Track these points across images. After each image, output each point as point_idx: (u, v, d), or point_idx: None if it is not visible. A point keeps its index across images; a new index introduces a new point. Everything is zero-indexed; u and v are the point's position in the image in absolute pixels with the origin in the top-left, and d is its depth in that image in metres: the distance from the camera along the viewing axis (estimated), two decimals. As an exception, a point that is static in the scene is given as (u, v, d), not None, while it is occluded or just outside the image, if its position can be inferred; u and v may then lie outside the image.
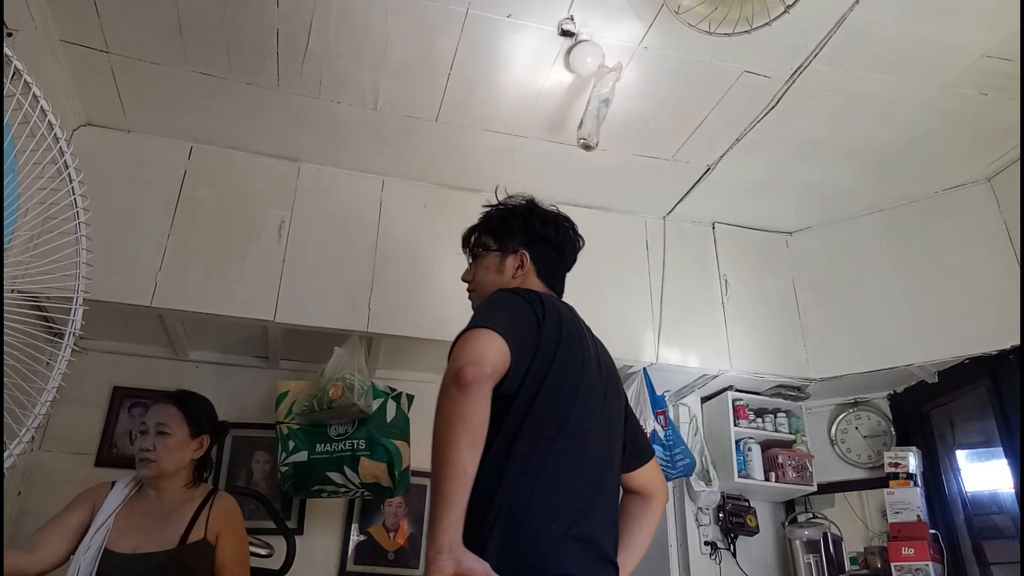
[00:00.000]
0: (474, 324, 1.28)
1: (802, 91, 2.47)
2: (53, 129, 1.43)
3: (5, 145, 1.32)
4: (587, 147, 2.33)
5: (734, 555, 3.14)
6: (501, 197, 1.71)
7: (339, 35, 2.28)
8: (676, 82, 2.46)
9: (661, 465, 2.91)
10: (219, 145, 2.81)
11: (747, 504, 3.21)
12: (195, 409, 1.99)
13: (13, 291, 1.41)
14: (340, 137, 2.76)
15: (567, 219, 1.69)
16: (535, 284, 1.58)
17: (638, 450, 1.57)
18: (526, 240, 1.60)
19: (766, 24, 2.02)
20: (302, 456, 2.58)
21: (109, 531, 1.78)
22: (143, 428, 1.92)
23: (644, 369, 3.03)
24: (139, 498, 1.89)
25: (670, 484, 3.22)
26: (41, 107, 1.40)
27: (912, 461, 2.94)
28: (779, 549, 3.25)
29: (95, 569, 1.70)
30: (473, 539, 1.12)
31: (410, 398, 2.79)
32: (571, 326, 1.44)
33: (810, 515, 3.25)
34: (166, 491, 1.89)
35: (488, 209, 1.70)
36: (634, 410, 2.94)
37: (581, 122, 2.36)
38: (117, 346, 2.91)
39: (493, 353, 1.22)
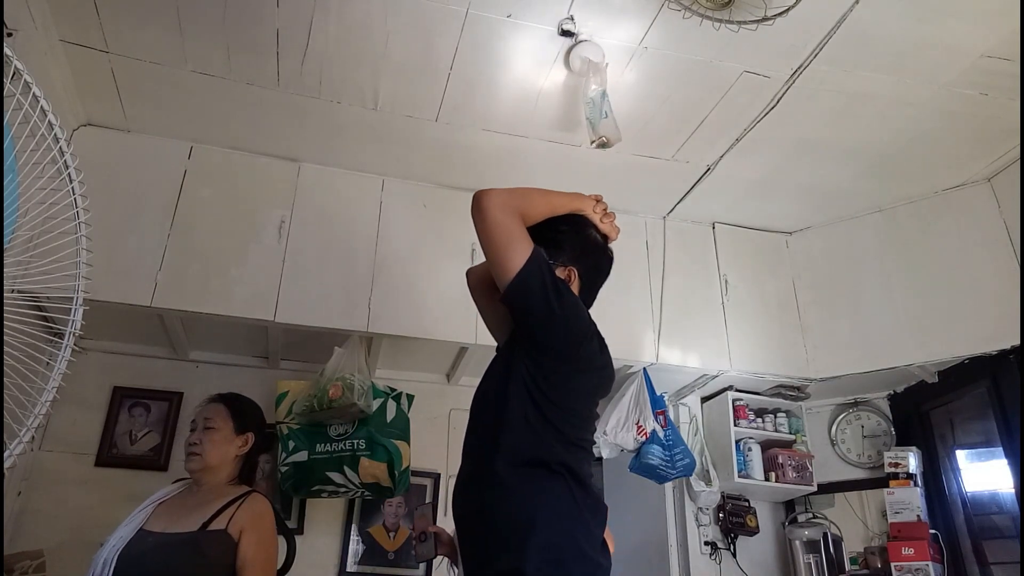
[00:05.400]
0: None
1: (802, 91, 2.47)
2: (53, 129, 1.43)
3: (5, 145, 1.32)
4: (604, 145, 2.28)
5: (734, 555, 3.14)
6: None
7: (339, 35, 2.28)
8: (676, 82, 2.46)
9: (661, 465, 2.92)
10: (219, 145, 2.81)
11: (747, 504, 3.21)
12: (241, 407, 2.07)
13: (13, 291, 1.40)
14: (340, 137, 2.76)
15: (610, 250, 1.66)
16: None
17: None
18: (577, 253, 1.55)
19: (781, 13, 2.01)
20: (302, 456, 2.59)
21: (148, 516, 1.87)
22: (192, 426, 2.02)
23: (644, 369, 3.03)
24: (184, 493, 1.98)
25: (670, 484, 3.22)
26: (41, 107, 1.40)
27: (912, 461, 2.94)
28: (779, 549, 3.25)
29: (124, 545, 1.77)
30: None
31: (410, 398, 2.79)
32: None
33: (810, 515, 3.25)
34: (207, 485, 1.95)
35: None
36: (634, 410, 2.96)
37: (591, 124, 2.28)
38: (117, 346, 2.91)
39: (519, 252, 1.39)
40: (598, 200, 1.63)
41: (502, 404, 1.38)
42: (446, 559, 1.75)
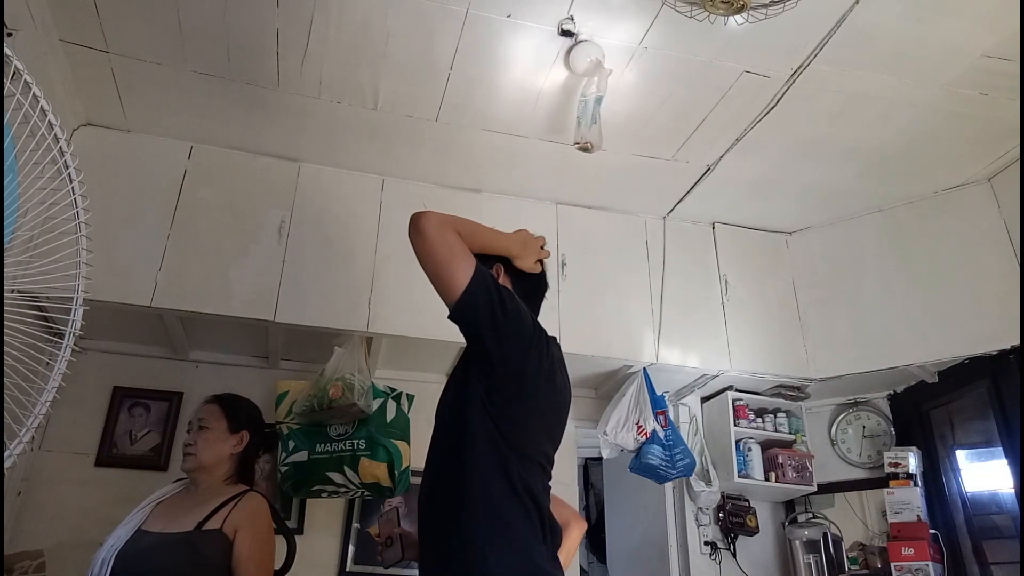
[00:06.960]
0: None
1: (802, 91, 2.47)
2: (53, 129, 1.43)
3: (5, 145, 1.32)
4: (585, 149, 2.31)
5: (734, 555, 3.14)
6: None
7: (339, 35, 2.28)
8: (676, 82, 2.46)
9: (661, 465, 2.92)
10: (219, 145, 2.81)
11: (747, 504, 3.21)
12: (235, 406, 2.07)
13: (13, 291, 1.40)
14: (340, 137, 2.76)
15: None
16: None
17: None
18: (499, 257, 1.59)
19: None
20: (302, 456, 2.59)
21: (147, 516, 1.88)
22: (188, 427, 2.04)
23: (644, 369, 3.03)
24: (182, 493, 1.99)
25: (670, 484, 3.22)
26: (41, 107, 1.40)
27: (912, 461, 2.94)
28: (779, 549, 3.25)
29: (122, 544, 1.78)
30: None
31: (410, 398, 2.79)
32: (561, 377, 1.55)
33: (810, 515, 3.25)
34: (204, 484, 1.95)
35: None
36: (634, 410, 2.96)
37: (579, 123, 2.32)
38: (117, 346, 2.91)
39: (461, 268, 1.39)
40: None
41: (460, 421, 1.39)
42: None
